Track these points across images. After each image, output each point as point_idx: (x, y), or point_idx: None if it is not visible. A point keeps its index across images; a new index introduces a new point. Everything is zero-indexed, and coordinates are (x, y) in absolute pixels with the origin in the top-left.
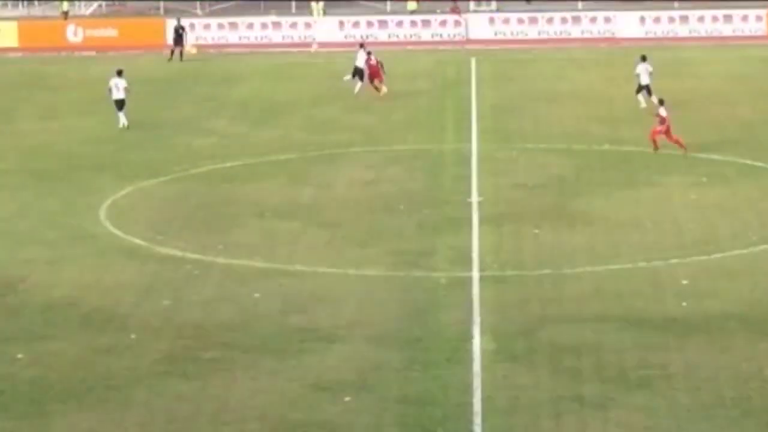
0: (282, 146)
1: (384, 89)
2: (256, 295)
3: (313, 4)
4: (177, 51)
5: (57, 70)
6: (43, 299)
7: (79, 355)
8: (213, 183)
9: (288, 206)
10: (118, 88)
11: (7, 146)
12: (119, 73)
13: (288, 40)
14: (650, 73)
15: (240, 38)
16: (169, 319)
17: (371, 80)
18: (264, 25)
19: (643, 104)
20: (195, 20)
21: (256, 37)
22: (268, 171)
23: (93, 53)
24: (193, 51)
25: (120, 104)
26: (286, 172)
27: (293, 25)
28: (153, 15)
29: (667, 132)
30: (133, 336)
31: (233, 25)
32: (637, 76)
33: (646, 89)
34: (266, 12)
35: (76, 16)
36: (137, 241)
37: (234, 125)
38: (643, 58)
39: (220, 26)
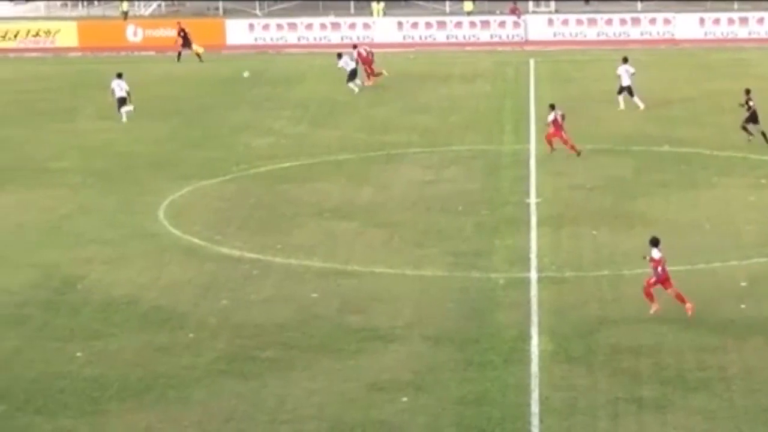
0: (340, 146)
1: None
2: (314, 294)
3: (374, 4)
4: (185, 52)
5: (116, 70)
6: (103, 298)
7: (138, 354)
8: (272, 183)
9: (346, 206)
10: (121, 88)
11: (67, 145)
12: (119, 76)
13: (347, 41)
14: (631, 75)
15: (299, 39)
16: (227, 319)
17: (370, 71)
18: (323, 26)
19: (621, 106)
20: (254, 20)
21: (314, 38)
22: (327, 171)
23: (152, 53)
24: (201, 50)
25: (122, 101)
26: (344, 172)
27: (352, 26)
28: (212, 15)
29: (559, 133)
30: (191, 335)
31: (292, 26)
32: (618, 77)
33: (628, 90)
34: (325, 12)
35: (135, 17)
36: (196, 240)
37: (293, 125)
38: (625, 60)
39: (279, 27)
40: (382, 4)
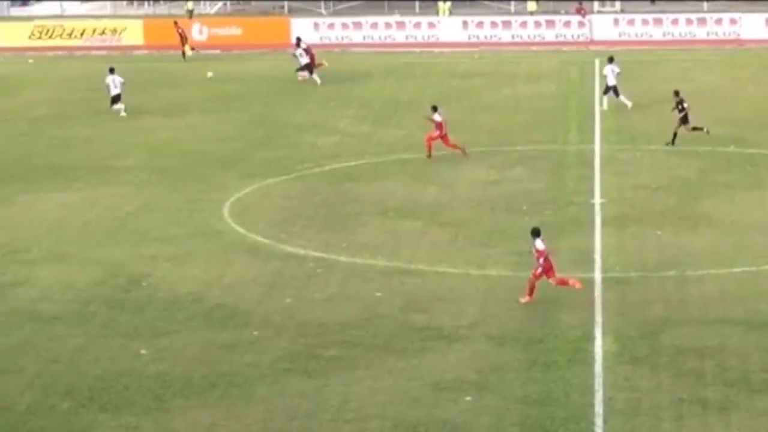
0: (405, 145)
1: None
2: (378, 293)
3: (441, 3)
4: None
5: (181, 68)
6: (167, 295)
7: (202, 351)
8: (336, 181)
9: (410, 205)
10: (116, 84)
11: (132, 143)
12: (112, 71)
13: (411, 40)
14: (617, 74)
15: (364, 38)
16: (291, 317)
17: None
18: (388, 25)
19: (605, 106)
20: (319, 19)
21: (379, 37)
22: (391, 170)
23: (217, 52)
24: (190, 52)
25: (116, 99)
26: (408, 171)
27: (417, 25)
28: (277, 14)
29: (444, 137)
30: (255, 333)
31: (357, 25)
32: (605, 77)
33: (613, 90)
34: (390, 12)
35: (201, 15)
36: (260, 238)
37: (357, 124)
38: (610, 60)
39: (344, 26)
40: (448, 3)
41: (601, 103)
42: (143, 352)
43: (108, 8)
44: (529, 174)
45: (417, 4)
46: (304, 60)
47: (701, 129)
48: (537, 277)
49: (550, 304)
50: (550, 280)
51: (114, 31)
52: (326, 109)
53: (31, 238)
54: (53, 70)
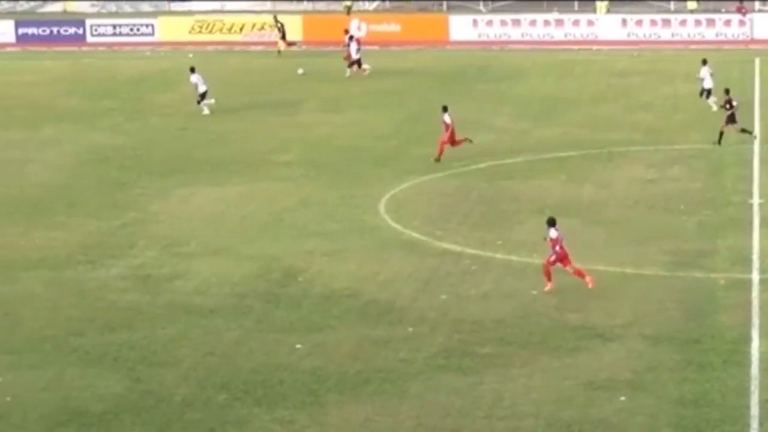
0: (562, 143)
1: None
2: (534, 291)
3: (599, 2)
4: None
5: (340, 64)
6: (323, 290)
7: (357, 347)
8: (492, 179)
9: (567, 204)
10: (202, 82)
11: (291, 138)
12: (193, 70)
13: (570, 38)
14: (711, 75)
15: (522, 35)
16: (445, 314)
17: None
18: (546, 23)
19: (714, 108)
20: (478, 17)
21: (538, 34)
22: (548, 168)
23: (376, 48)
24: (283, 47)
25: (204, 96)
26: (565, 169)
27: (575, 23)
28: (436, 11)
29: (452, 139)
30: (410, 329)
31: (516, 22)
32: (701, 80)
33: (707, 93)
34: (549, 9)
35: (359, 11)
36: (416, 235)
37: (514, 122)
38: (704, 62)
39: (503, 23)
40: (605, 1)
41: (708, 106)
42: (298, 346)
43: (267, 4)
44: (687, 173)
45: (576, 3)
46: (357, 55)
47: (750, 132)
48: (551, 263)
49: (705, 305)
50: (567, 268)
51: (273, 26)
52: (484, 106)
53: (189, 232)
54: (212, 64)
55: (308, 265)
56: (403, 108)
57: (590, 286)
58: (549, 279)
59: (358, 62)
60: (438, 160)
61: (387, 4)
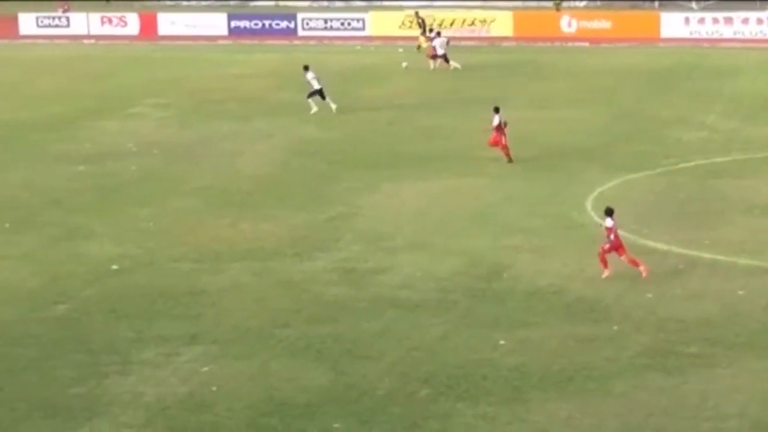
0: None
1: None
2: (741, 292)
3: None
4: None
5: (550, 60)
6: (527, 287)
7: (561, 344)
8: (701, 178)
9: None
10: (317, 80)
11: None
12: (307, 69)
13: None
14: None
15: (734, 33)
16: (651, 312)
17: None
18: (759, 20)
19: None
20: (689, 14)
21: (750, 32)
22: (759, 167)
23: (586, 44)
24: (424, 44)
25: (318, 93)
26: None
27: None
28: (647, 8)
29: (497, 141)
30: (615, 327)
31: (728, 20)
32: None
33: None
34: (762, 7)
35: (569, 8)
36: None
37: (725, 120)
38: None
39: (715, 20)
40: None
41: None
42: (502, 342)
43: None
44: None
45: None
46: (442, 51)
47: None
48: (606, 251)
49: None
50: (622, 257)
51: (483, 21)
52: (694, 104)
53: (394, 226)
54: (421, 62)
55: (513, 261)
56: (612, 105)
57: (644, 275)
58: (605, 266)
59: (445, 57)
60: (510, 160)
61: (598, 2)
